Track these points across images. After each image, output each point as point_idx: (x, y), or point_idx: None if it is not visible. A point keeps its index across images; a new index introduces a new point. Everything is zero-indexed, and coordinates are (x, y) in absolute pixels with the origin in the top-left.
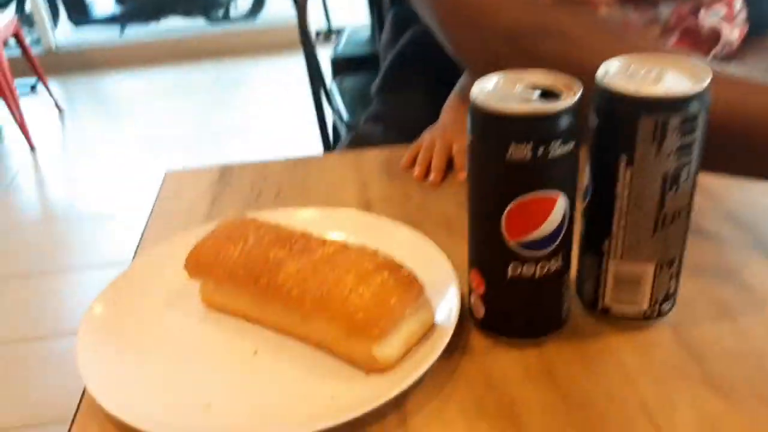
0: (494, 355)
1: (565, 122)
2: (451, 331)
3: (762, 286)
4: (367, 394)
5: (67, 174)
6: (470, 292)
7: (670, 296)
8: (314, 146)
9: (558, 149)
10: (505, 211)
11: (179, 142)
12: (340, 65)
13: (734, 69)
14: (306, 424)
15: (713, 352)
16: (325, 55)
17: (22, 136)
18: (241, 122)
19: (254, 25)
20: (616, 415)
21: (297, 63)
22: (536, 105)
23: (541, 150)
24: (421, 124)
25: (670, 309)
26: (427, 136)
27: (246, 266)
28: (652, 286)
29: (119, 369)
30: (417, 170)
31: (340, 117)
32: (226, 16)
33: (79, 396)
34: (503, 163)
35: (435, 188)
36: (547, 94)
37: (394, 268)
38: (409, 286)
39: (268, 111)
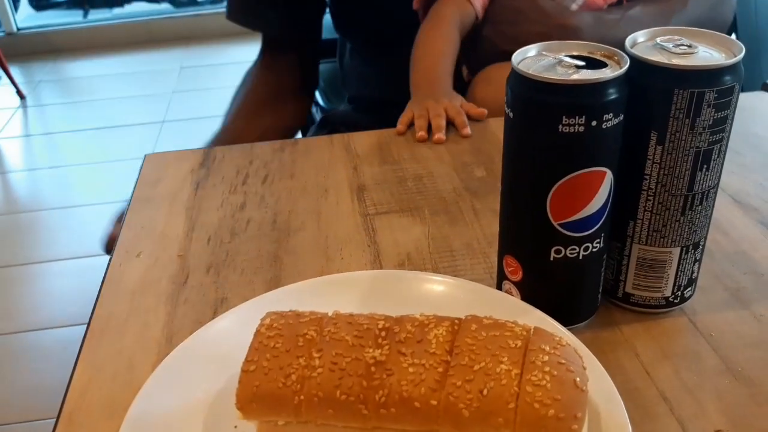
0: None
1: (616, 92)
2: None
3: None
4: None
5: (30, 162)
6: (501, 279)
7: (692, 281)
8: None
9: (610, 121)
10: (552, 191)
11: (146, 130)
12: None
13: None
14: None
15: (731, 340)
16: None
17: None
18: (209, 109)
19: (221, 9)
20: (637, 406)
21: None
22: (588, 74)
23: (594, 122)
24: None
25: (691, 295)
26: (416, 106)
27: (342, 385)
28: (677, 272)
29: None
30: (419, 133)
31: (316, 102)
32: (192, 1)
33: (56, 391)
34: (554, 137)
35: (429, 171)
36: (591, 64)
37: (546, 337)
38: (575, 356)
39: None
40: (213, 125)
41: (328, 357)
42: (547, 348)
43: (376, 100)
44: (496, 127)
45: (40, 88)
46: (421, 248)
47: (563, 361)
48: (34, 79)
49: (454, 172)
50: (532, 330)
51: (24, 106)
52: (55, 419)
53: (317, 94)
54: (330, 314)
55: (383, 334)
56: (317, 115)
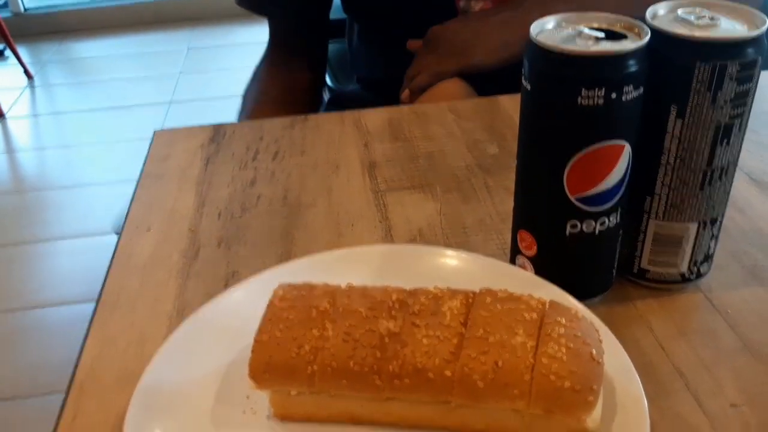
0: None
1: (636, 64)
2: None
3: None
4: None
5: (38, 142)
6: (514, 255)
7: (708, 257)
8: None
9: (630, 94)
10: (569, 164)
11: (153, 110)
12: None
13: None
14: None
15: (748, 318)
16: None
17: None
18: (216, 90)
19: None
20: (652, 381)
21: None
22: (609, 45)
23: (614, 95)
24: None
25: (707, 271)
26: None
27: (356, 356)
28: (693, 247)
29: None
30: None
31: (326, 85)
32: None
33: (64, 368)
34: (573, 110)
35: (440, 148)
36: (610, 35)
37: (562, 310)
38: (591, 329)
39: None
40: (220, 106)
41: (341, 328)
42: (563, 321)
43: (385, 79)
44: (509, 105)
45: (47, 68)
46: (433, 224)
47: (579, 334)
48: (42, 59)
49: (466, 150)
50: (547, 303)
51: (31, 86)
52: (64, 393)
53: (326, 75)
54: (343, 286)
55: (397, 306)
56: (326, 95)
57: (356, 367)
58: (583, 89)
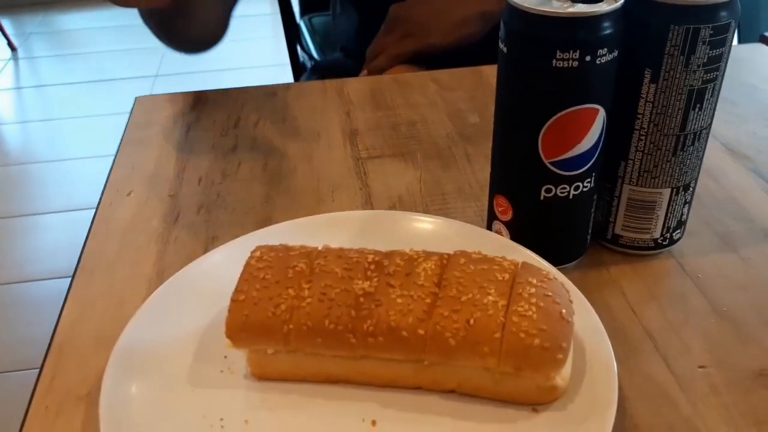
0: None
1: (611, 27)
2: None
3: (763, 216)
4: None
5: (21, 115)
6: (491, 220)
7: (681, 224)
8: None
9: (604, 57)
10: (544, 128)
11: (138, 83)
12: (308, 2)
13: None
14: None
15: (718, 282)
16: None
17: None
18: (203, 63)
19: None
20: (622, 343)
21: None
22: (584, 7)
23: (588, 57)
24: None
25: (680, 237)
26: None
27: (331, 315)
28: (666, 213)
29: None
30: None
31: (310, 56)
32: None
33: (47, 342)
34: (548, 72)
35: (422, 117)
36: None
37: (534, 271)
38: (561, 289)
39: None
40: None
41: (317, 288)
42: (534, 281)
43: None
44: (491, 74)
45: (31, 40)
46: (413, 191)
47: (550, 294)
48: (26, 31)
49: (447, 119)
50: (520, 264)
51: (15, 58)
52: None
53: (311, 47)
54: (320, 248)
55: (372, 267)
56: (309, 64)
57: (331, 326)
58: (558, 51)
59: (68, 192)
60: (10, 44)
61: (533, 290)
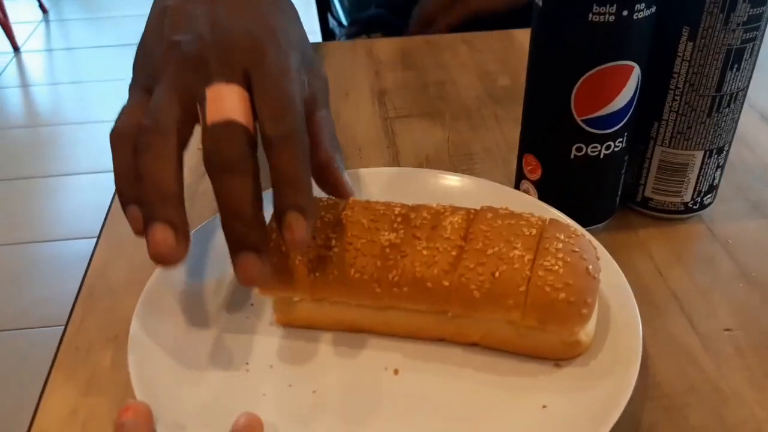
0: None
1: None
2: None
3: None
4: (589, 390)
5: (52, 77)
6: (519, 179)
7: (713, 188)
8: None
9: (642, 12)
10: (577, 84)
11: None
12: None
13: None
14: None
15: (748, 247)
16: None
17: (6, 38)
18: None
19: None
20: (647, 303)
21: None
22: None
23: (625, 12)
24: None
25: (711, 202)
26: None
27: (357, 264)
28: (698, 176)
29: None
30: None
31: (340, 23)
32: None
33: (73, 299)
34: (583, 26)
35: (451, 78)
36: None
37: (561, 227)
38: (589, 245)
39: None
40: None
41: (343, 238)
42: (562, 236)
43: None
44: (524, 39)
45: (62, 3)
46: (440, 151)
47: (577, 250)
48: None
49: (477, 80)
50: (548, 221)
51: (46, 20)
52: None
53: (341, 13)
54: (348, 200)
55: (399, 219)
56: (337, 31)
57: (357, 275)
58: (595, 5)
59: (97, 154)
60: (41, 6)
61: (560, 245)
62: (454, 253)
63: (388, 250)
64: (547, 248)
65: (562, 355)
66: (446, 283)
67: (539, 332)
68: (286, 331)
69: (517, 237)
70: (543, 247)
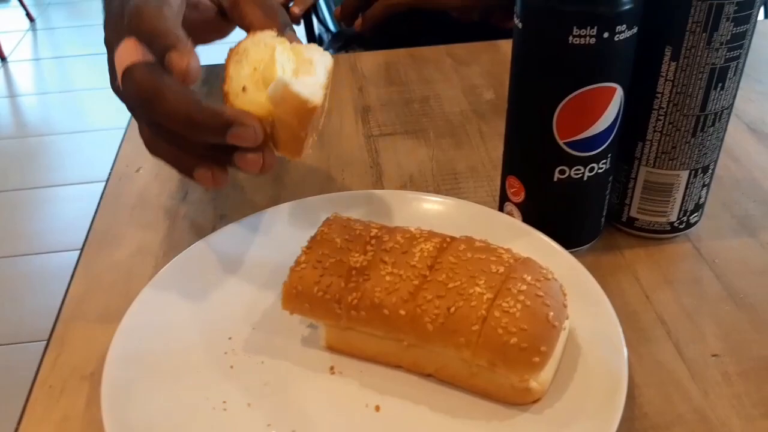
0: None
1: (630, 2)
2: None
3: None
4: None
5: (40, 86)
6: (503, 201)
7: (699, 207)
8: None
9: (623, 34)
10: (559, 107)
11: None
12: None
13: None
14: None
15: (734, 266)
16: None
17: None
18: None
19: None
20: (634, 329)
21: None
22: None
23: (606, 34)
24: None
25: (697, 221)
26: None
27: (321, 282)
28: (684, 196)
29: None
30: None
31: (327, 28)
32: None
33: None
34: (564, 49)
35: (436, 93)
36: None
37: (532, 269)
38: (558, 291)
39: None
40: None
41: (314, 255)
42: (529, 278)
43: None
44: (508, 49)
45: (49, 11)
46: (424, 170)
47: (541, 294)
48: (44, 2)
49: (462, 95)
50: (521, 260)
51: (33, 29)
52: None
53: (328, 19)
54: (330, 216)
55: (372, 242)
56: (326, 38)
57: (319, 293)
58: (575, 27)
59: (85, 164)
60: (28, 15)
61: (524, 287)
62: (416, 282)
63: (353, 271)
64: (510, 289)
65: (513, 400)
66: (402, 312)
67: (490, 373)
68: (264, 366)
69: (482, 273)
70: (506, 287)
